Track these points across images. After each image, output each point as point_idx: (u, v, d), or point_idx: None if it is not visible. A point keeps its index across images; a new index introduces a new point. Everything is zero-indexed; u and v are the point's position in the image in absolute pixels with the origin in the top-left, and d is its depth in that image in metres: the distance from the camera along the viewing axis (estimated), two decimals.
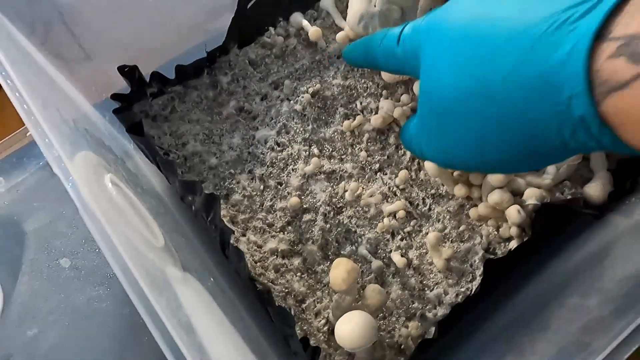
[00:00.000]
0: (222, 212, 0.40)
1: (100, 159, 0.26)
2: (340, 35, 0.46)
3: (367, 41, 0.35)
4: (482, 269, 0.39)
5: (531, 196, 0.39)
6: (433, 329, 0.37)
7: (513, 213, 0.38)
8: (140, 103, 0.43)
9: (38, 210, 0.48)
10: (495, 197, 0.39)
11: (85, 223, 0.20)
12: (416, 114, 0.30)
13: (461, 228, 0.41)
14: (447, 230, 0.41)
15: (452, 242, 0.41)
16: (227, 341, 0.26)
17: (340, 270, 0.35)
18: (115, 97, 0.40)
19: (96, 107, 0.44)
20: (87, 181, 0.21)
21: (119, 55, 0.41)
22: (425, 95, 0.27)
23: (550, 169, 0.40)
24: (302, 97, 0.45)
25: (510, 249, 0.39)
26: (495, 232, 0.41)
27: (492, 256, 0.40)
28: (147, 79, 0.43)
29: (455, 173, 0.42)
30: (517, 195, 0.40)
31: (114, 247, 0.19)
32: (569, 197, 0.39)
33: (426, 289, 0.39)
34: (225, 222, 0.39)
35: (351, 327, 0.32)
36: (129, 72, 0.41)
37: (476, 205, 0.42)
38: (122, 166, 0.39)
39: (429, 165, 0.40)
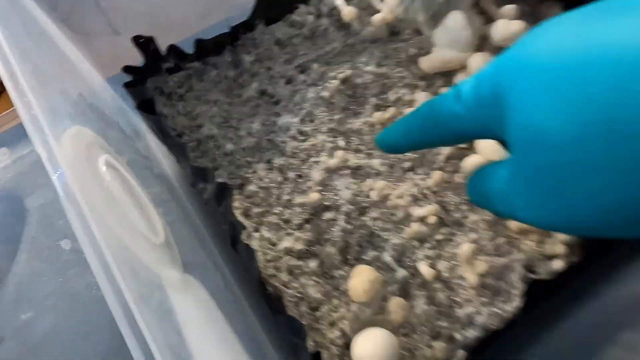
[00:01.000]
0: (235, 204, 0.36)
1: (98, 138, 0.23)
2: (376, 18, 0.42)
3: (407, 119, 0.28)
4: (520, 289, 0.35)
5: None
6: (461, 352, 0.33)
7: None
8: (155, 78, 0.39)
9: (42, 186, 0.45)
10: None
11: (66, 213, 0.16)
12: (503, 164, 0.23)
13: (498, 240, 0.37)
14: (482, 242, 0.37)
15: (487, 255, 0.37)
16: (227, 353, 0.22)
17: (361, 279, 0.31)
18: (127, 69, 0.36)
19: (109, 80, 0.40)
20: (74, 161, 0.18)
21: (141, 29, 0.38)
22: (525, 149, 0.21)
23: None
24: (331, 83, 0.41)
25: (558, 270, 0.34)
26: (538, 248, 0.36)
27: (533, 275, 0.35)
28: (164, 53, 0.39)
29: None
30: None
31: (98, 248, 0.16)
32: None
33: (455, 306, 0.35)
34: (238, 215, 0.36)
35: (371, 348, 0.28)
36: (144, 43, 0.37)
37: None
38: (131, 146, 0.36)
39: (468, 168, 0.35)
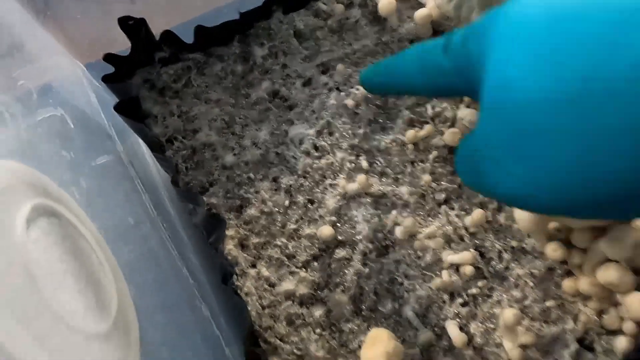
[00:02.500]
0: (230, 233, 0.30)
1: (30, 170, 0.16)
2: (420, 14, 0.34)
3: (394, 60, 0.27)
4: None
5: None
6: None
7: (636, 304, 0.27)
8: (146, 70, 0.33)
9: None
10: (610, 275, 0.27)
11: None
12: (475, 131, 0.22)
13: (547, 303, 0.30)
14: (527, 302, 0.30)
15: (532, 319, 0.30)
16: None
17: (378, 351, 0.25)
18: (109, 58, 0.29)
19: (90, 66, 0.34)
20: None
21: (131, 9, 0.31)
22: (495, 106, 0.20)
23: None
24: (357, 89, 0.34)
25: (621, 350, 0.28)
26: (596, 319, 0.30)
27: (590, 353, 0.29)
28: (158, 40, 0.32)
29: (551, 226, 0.31)
30: (638, 275, 0.28)
31: None
32: None
33: None
34: (232, 247, 0.29)
35: None
36: (133, 27, 0.31)
37: (572, 274, 0.31)
38: (109, 150, 0.30)
39: (522, 215, 0.28)
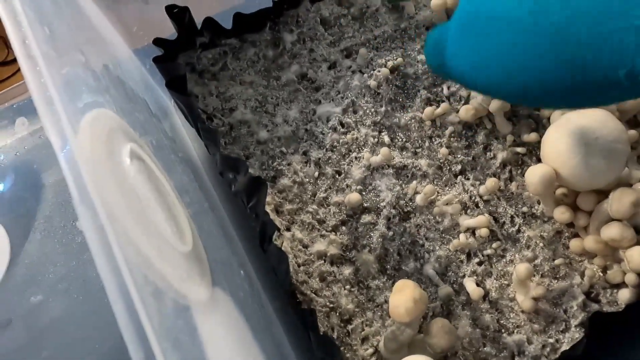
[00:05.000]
0: (267, 199, 0.33)
1: (122, 122, 0.20)
2: (435, 2, 0.37)
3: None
4: (579, 318, 0.31)
5: None
6: None
7: (637, 257, 0.29)
8: (187, 54, 0.36)
9: None
10: (612, 231, 0.30)
11: (79, 217, 0.13)
12: (453, 16, 0.24)
13: (556, 261, 0.33)
14: (537, 261, 0.33)
15: (542, 276, 0.33)
16: None
17: (405, 297, 0.28)
18: (157, 42, 0.33)
19: (136, 52, 0.37)
20: (92, 156, 0.14)
21: None
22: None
23: None
24: (379, 71, 0.37)
25: (627, 303, 0.30)
26: (601, 274, 0.32)
27: (595, 305, 0.31)
28: (199, 27, 0.36)
29: (559, 191, 0.34)
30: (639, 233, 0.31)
31: (117, 269, 0.12)
32: None
33: (504, 331, 0.32)
34: (269, 212, 0.32)
35: None
36: (178, 14, 0.34)
37: (578, 236, 0.34)
38: (156, 127, 0.33)
39: (532, 179, 0.31)
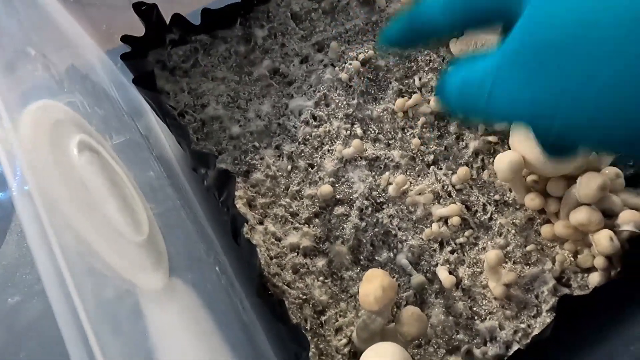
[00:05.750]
0: (239, 193, 0.33)
1: (74, 114, 0.20)
2: None
3: (412, 12, 0.24)
4: (550, 303, 0.31)
5: (628, 221, 0.30)
6: None
7: (604, 240, 0.30)
8: (157, 51, 0.36)
9: None
10: (581, 215, 0.30)
11: (15, 205, 0.13)
12: (497, 51, 0.20)
13: (528, 247, 0.33)
14: (509, 248, 0.33)
15: (514, 263, 0.33)
16: None
17: (373, 286, 0.28)
18: (125, 39, 0.33)
19: (110, 53, 0.37)
20: (33, 144, 0.14)
21: None
22: (531, 23, 0.19)
23: None
24: (350, 64, 0.37)
25: (595, 286, 0.31)
26: (572, 259, 0.33)
27: (566, 289, 0.32)
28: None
29: (529, 179, 0.34)
30: (608, 217, 0.31)
31: (50, 252, 0.12)
32: None
33: (476, 317, 0.32)
34: (241, 206, 0.33)
35: None
36: (146, 11, 0.34)
37: (550, 222, 0.34)
38: (128, 125, 0.33)
39: (500, 165, 0.31)
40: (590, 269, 0.32)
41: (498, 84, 0.19)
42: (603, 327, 0.29)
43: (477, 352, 0.31)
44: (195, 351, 0.18)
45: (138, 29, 0.35)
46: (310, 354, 0.29)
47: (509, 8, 0.20)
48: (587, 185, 0.30)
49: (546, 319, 0.31)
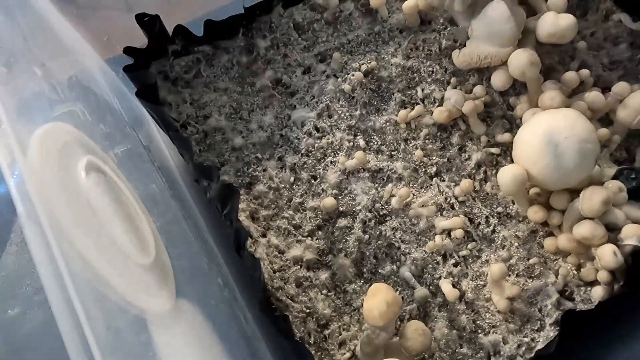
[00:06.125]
0: (242, 206, 0.33)
1: (81, 134, 0.20)
2: (407, 5, 0.38)
3: None
4: (554, 317, 0.31)
5: (632, 235, 0.30)
6: None
7: (607, 254, 0.30)
8: (160, 62, 0.36)
9: None
10: (584, 230, 0.30)
11: (24, 232, 0.13)
12: None
13: (531, 260, 0.33)
14: (512, 261, 0.33)
15: (517, 276, 0.33)
16: None
17: (377, 301, 0.28)
18: (128, 51, 0.33)
19: (110, 62, 0.37)
20: (41, 169, 0.14)
21: (149, 5, 0.34)
22: None
23: None
24: (353, 75, 0.37)
25: (599, 300, 0.31)
26: (575, 272, 0.33)
27: (569, 303, 0.32)
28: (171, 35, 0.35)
29: (532, 191, 0.34)
30: (611, 231, 0.31)
31: (59, 277, 0.12)
32: None
33: (480, 331, 0.32)
34: (244, 219, 0.32)
35: None
36: (148, 22, 0.34)
37: (553, 235, 0.34)
38: (129, 135, 0.33)
39: (504, 179, 0.31)
40: (594, 283, 0.32)
41: None
42: (607, 342, 0.29)
43: None
44: None
45: (138, 36, 0.35)
46: None
47: None
48: (591, 199, 0.30)
49: (549, 332, 0.31)
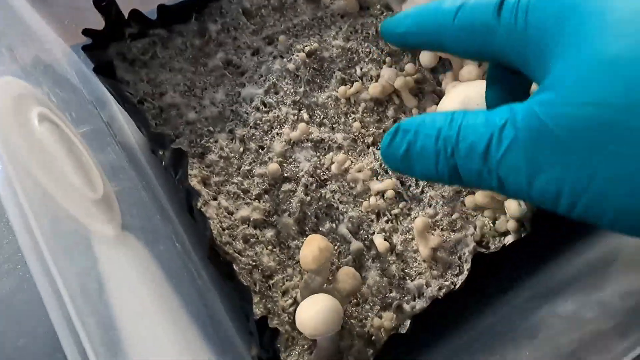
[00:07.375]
0: (194, 172, 0.36)
1: (35, 90, 0.23)
2: None
3: (428, 11, 0.21)
4: (471, 263, 0.35)
5: None
6: (408, 322, 0.33)
7: (513, 205, 0.34)
8: (117, 44, 0.39)
9: None
10: None
11: None
12: (517, 122, 0.17)
13: (454, 216, 0.37)
14: (438, 217, 0.38)
15: (442, 230, 0.37)
16: (164, 320, 0.22)
17: (311, 248, 0.31)
18: (86, 32, 0.36)
19: (75, 48, 0.40)
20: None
21: None
22: (584, 85, 0.16)
23: None
24: (297, 55, 0.41)
25: (505, 244, 0.35)
26: (491, 225, 0.37)
27: (484, 250, 0.36)
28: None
29: None
30: None
31: (14, 193, 0.16)
32: None
33: (407, 278, 0.36)
34: (195, 184, 0.36)
35: (314, 312, 0.29)
36: (106, 7, 0.37)
37: (473, 193, 0.38)
38: (92, 113, 0.36)
39: None
40: (507, 233, 0.36)
41: (520, 157, 0.16)
42: (510, 278, 0.33)
43: (406, 307, 0.35)
44: (140, 290, 0.21)
45: (102, 23, 0.38)
46: (260, 311, 0.33)
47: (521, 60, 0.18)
48: None
49: (466, 276, 0.35)
